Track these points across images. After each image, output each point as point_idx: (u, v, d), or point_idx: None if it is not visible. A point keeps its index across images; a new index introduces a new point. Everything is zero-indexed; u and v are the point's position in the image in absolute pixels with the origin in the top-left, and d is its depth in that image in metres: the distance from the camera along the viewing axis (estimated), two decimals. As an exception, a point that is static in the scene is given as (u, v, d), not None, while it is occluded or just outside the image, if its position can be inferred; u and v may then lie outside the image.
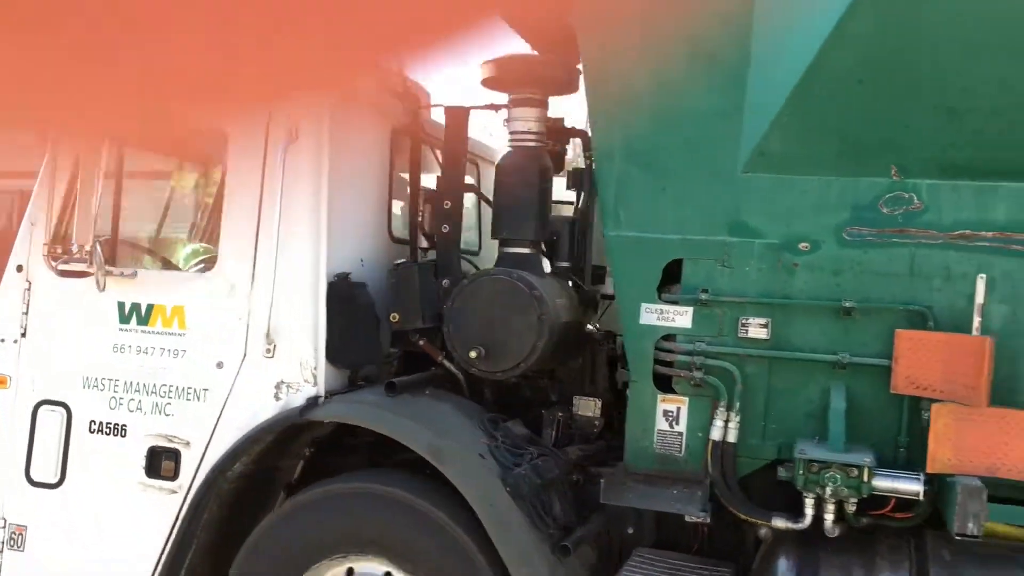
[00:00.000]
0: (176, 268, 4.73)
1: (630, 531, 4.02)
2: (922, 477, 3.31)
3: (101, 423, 4.20)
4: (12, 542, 4.29)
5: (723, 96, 3.61)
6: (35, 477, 4.29)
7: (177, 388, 4.08)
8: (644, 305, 3.76)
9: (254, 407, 3.98)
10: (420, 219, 4.49)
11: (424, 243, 4.58)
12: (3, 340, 4.34)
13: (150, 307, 4.17)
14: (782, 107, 3.41)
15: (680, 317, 3.72)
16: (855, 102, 3.35)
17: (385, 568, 3.75)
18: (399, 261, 4.37)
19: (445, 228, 4.38)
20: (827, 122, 3.44)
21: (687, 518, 3.73)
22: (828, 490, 3.33)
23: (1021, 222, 3.37)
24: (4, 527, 4.31)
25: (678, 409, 3.77)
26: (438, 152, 4.63)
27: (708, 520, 3.66)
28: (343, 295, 4.02)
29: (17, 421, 4.30)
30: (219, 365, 4.04)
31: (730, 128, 3.61)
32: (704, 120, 3.67)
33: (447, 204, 4.38)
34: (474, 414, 4.07)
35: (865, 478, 3.29)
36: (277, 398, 3.97)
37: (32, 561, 4.27)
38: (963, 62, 3.16)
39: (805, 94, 3.35)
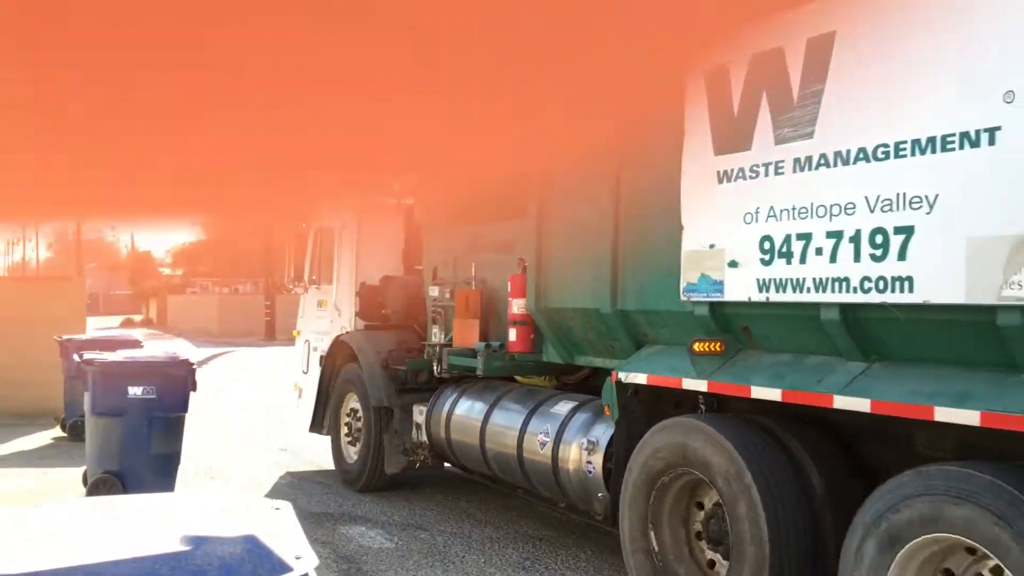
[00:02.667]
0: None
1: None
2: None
3: (317, 347, 10.60)
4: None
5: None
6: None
7: (327, 329, 10.27)
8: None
9: (332, 334, 9.98)
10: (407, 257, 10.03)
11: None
12: (300, 315, 11.08)
13: (320, 300, 10.48)
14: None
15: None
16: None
17: None
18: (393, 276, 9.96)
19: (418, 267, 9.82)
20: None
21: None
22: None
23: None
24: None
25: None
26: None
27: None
28: (365, 291, 9.77)
29: (301, 347, 10.97)
30: (332, 320, 10.15)
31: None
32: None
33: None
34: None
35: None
36: (343, 329, 9.90)
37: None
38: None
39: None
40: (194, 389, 8.21)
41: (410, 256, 9.85)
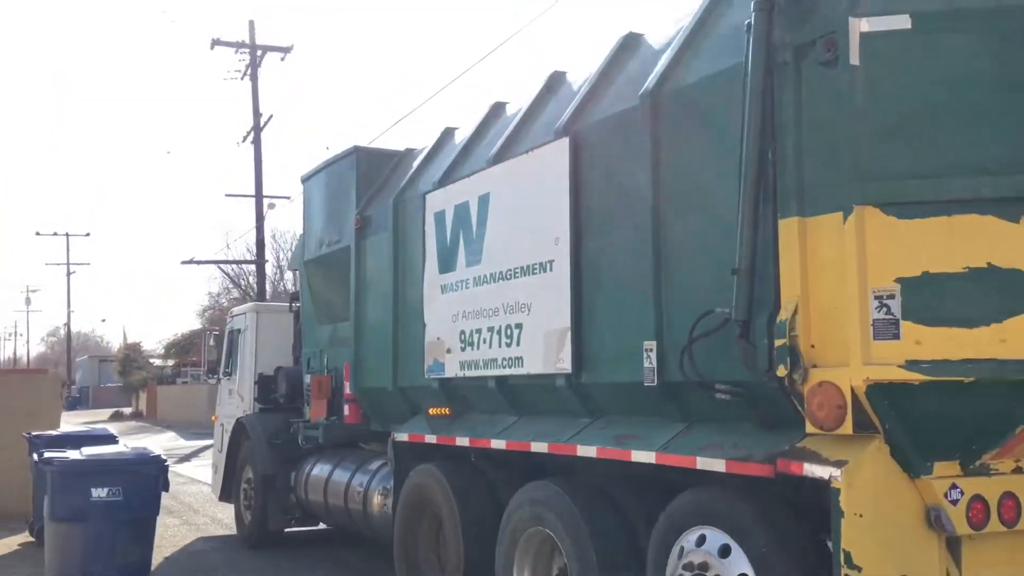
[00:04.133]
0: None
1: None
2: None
3: (227, 428, 12.52)
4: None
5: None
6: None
7: (234, 413, 12.18)
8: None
9: (236, 416, 11.92)
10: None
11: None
12: None
13: (231, 388, 12.44)
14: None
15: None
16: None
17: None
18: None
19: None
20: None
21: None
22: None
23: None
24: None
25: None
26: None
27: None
28: (261, 380, 11.73)
29: (217, 429, 12.87)
30: (237, 405, 12.09)
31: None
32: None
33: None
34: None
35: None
36: (244, 412, 11.85)
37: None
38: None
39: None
40: (166, 489, 7.86)
41: (297, 350, 11.86)
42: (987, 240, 4.00)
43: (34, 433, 11.37)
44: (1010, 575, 4.34)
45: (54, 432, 11.85)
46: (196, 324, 55.36)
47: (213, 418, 13.05)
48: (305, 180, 10.15)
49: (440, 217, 7.18)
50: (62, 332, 76.35)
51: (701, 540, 4.70)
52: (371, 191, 8.72)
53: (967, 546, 4.21)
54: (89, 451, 8.15)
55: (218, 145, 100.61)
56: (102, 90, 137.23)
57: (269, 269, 28.58)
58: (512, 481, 6.40)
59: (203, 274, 57.86)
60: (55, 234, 56.24)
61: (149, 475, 7.66)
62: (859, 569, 3.97)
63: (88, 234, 58.55)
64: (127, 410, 56.09)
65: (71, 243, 57.51)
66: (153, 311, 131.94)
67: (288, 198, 28.96)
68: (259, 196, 27.36)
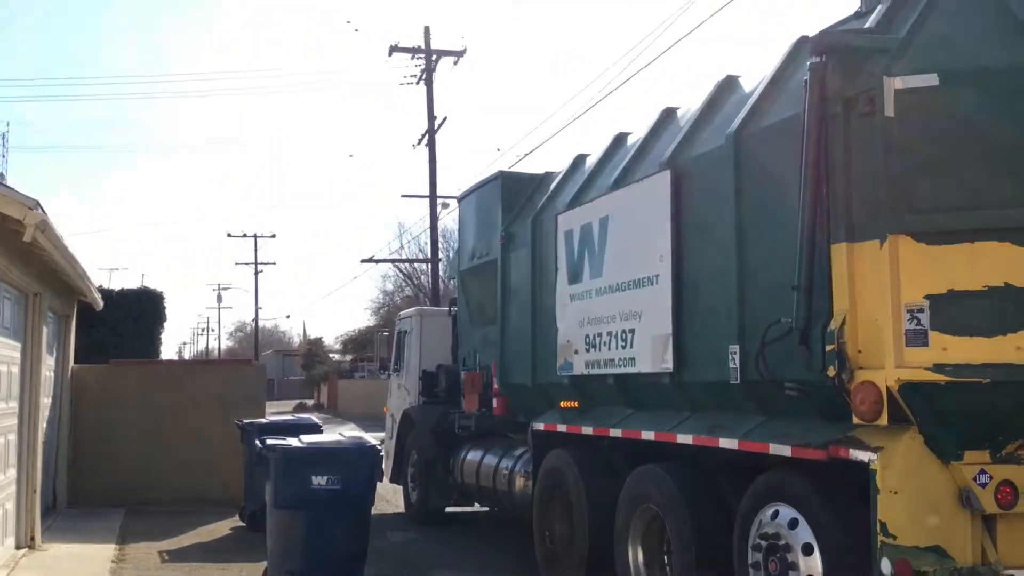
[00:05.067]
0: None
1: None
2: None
3: (396, 419, 14.06)
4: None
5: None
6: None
7: (401, 405, 13.71)
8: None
9: (403, 408, 13.41)
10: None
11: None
12: None
13: (399, 383, 13.97)
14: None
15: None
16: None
17: None
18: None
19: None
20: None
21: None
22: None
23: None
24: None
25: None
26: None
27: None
28: (425, 376, 13.14)
29: (388, 420, 14.45)
30: (404, 398, 13.60)
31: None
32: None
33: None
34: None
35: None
36: (410, 405, 13.34)
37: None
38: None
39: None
40: (380, 478, 7.88)
41: (455, 349, 13.22)
42: (1004, 263, 4.74)
43: (246, 421, 11.75)
44: (1043, 551, 5.01)
45: (263, 420, 12.23)
46: (371, 321, 58.54)
47: (384, 409, 14.62)
48: (460, 200, 11.48)
49: (569, 236, 8.26)
50: (248, 327, 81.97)
51: (775, 515, 5.59)
52: (514, 211, 9.90)
53: (1001, 524, 4.93)
54: (309, 439, 8.12)
55: (395, 148, 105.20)
56: (288, 97, 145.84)
57: (440, 267, 30.14)
58: (628, 464, 7.38)
59: (377, 272, 60.79)
60: (244, 235, 60.27)
61: (366, 464, 7.60)
62: (894, 537, 4.78)
63: (274, 235, 62.11)
64: (309, 402, 59.24)
65: (258, 244, 61.53)
66: (331, 308, 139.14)
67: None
68: (433, 196, 28.58)
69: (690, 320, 6.55)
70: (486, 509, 12.35)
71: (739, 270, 5.98)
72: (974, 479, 4.87)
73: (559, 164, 9.76)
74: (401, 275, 50.19)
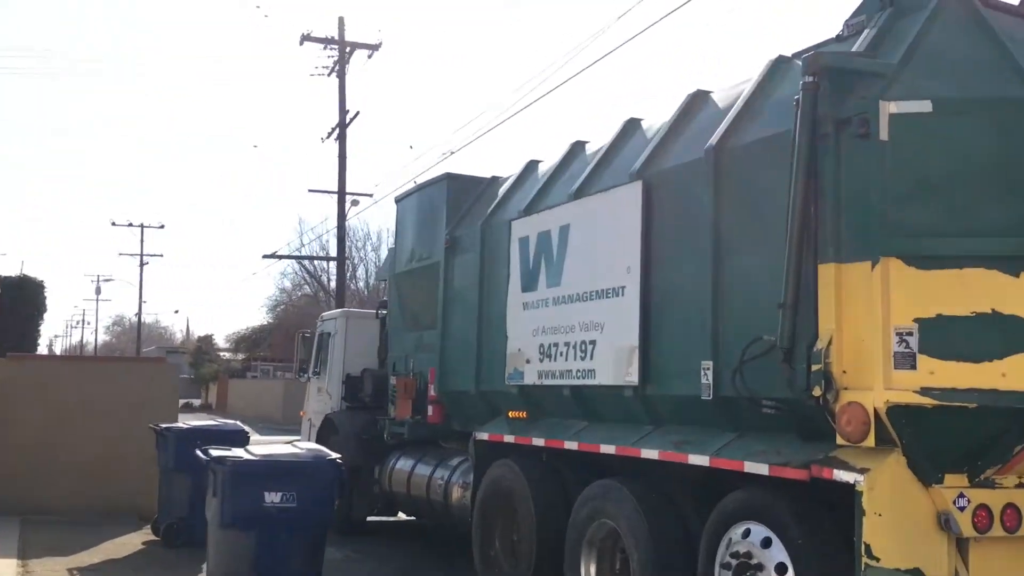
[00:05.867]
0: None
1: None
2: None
3: (315, 424, 13.65)
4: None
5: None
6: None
7: (322, 410, 13.33)
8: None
9: (324, 413, 13.03)
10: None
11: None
12: None
13: (319, 387, 13.56)
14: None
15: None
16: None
17: None
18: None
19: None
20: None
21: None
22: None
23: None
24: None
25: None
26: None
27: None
28: (348, 380, 12.76)
29: (305, 424, 14.03)
30: (325, 403, 13.21)
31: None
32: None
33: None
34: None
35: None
36: (332, 410, 12.95)
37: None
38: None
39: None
40: (342, 493, 7.36)
41: (383, 353, 12.91)
42: (992, 290, 4.81)
43: (163, 426, 10.89)
44: (1011, 573, 5.12)
45: (183, 425, 11.27)
46: (267, 319, 57.08)
47: (301, 413, 14.17)
48: (399, 200, 11.19)
49: (524, 242, 8.12)
50: (127, 322, 79.04)
51: (747, 533, 5.55)
52: (460, 214, 9.69)
53: (974, 547, 5.01)
54: (261, 451, 7.49)
55: (302, 141, 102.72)
56: (188, 81, 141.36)
57: (346, 266, 29.58)
58: (580, 478, 7.26)
59: (274, 269, 59.51)
60: (130, 225, 58.23)
61: (325, 479, 7.03)
62: (877, 559, 4.79)
63: (162, 226, 60.50)
64: (196, 401, 57.12)
65: (145, 234, 59.52)
66: (221, 305, 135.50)
67: (371, 196, 29.76)
68: (342, 192, 28.16)
69: (658, 334, 6.48)
70: (411, 519, 12.09)
71: (715, 285, 5.93)
72: (953, 502, 4.93)
73: (486, 165, 9.67)
74: (304, 273, 49.26)
